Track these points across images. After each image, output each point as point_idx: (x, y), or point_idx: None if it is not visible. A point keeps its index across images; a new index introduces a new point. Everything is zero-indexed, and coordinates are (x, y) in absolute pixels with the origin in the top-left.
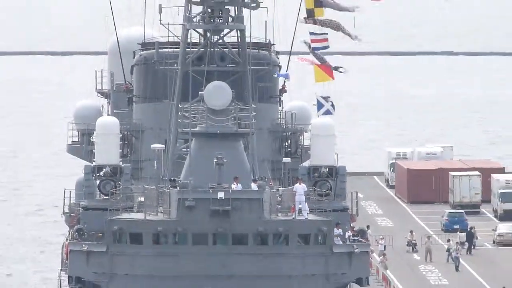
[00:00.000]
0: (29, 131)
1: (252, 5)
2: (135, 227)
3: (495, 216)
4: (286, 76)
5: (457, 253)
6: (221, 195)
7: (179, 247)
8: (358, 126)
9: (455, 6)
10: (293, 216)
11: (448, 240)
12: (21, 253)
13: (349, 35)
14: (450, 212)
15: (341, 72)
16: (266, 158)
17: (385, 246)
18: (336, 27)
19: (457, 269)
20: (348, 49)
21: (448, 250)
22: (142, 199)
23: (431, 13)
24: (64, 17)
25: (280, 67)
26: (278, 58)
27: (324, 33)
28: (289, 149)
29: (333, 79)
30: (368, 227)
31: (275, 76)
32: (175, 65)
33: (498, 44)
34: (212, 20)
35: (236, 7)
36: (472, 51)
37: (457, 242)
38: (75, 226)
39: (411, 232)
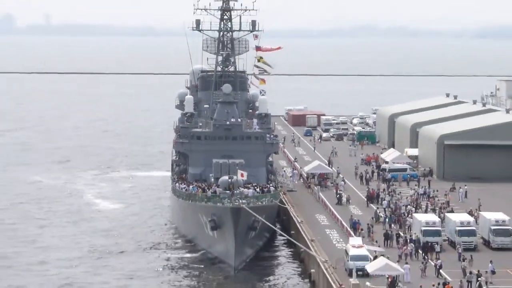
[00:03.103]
0: (161, 102)
1: (237, 56)
2: (198, 133)
3: (322, 131)
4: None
5: (314, 144)
6: (228, 122)
7: (214, 141)
8: (276, 99)
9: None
10: (253, 130)
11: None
12: (154, 143)
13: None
14: (306, 129)
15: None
16: (244, 110)
17: (284, 140)
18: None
19: (314, 151)
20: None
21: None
22: (201, 124)
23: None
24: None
25: (248, 79)
26: (247, 75)
27: (265, 70)
28: (251, 107)
29: (265, 83)
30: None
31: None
32: (213, 78)
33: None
34: (225, 62)
35: (234, 57)
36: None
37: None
38: (177, 133)
39: (293, 135)
